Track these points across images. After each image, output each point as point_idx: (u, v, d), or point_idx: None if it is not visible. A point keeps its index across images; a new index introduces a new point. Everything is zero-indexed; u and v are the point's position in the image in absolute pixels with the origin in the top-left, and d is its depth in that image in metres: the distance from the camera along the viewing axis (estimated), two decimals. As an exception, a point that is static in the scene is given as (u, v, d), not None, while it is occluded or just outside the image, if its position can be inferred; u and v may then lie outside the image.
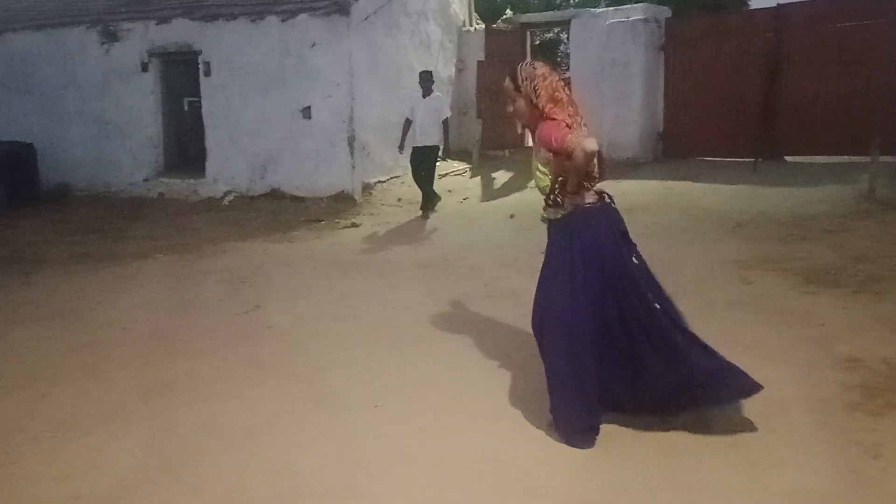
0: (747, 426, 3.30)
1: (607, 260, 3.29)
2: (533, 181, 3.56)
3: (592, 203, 3.34)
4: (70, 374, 4.36)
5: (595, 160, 3.28)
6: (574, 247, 3.30)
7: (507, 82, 3.42)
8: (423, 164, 9.68)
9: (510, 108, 3.46)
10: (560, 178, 3.32)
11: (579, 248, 3.29)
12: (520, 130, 12.39)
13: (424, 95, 9.60)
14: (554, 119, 3.29)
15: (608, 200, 3.41)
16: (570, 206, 3.32)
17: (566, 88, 3.41)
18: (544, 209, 3.45)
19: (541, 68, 3.38)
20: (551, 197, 3.38)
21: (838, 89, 10.72)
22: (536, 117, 3.35)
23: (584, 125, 3.38)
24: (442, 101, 9.83)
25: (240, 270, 7.02)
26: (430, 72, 10.02)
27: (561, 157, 3.25)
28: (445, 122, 9.59)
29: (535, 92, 3.31)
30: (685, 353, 3.28)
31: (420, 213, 9.74)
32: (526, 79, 3.34)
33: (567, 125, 3.28)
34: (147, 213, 10.52)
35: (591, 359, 3.28)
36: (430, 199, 9.71)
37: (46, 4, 13.18)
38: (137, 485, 3.07)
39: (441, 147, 9.79)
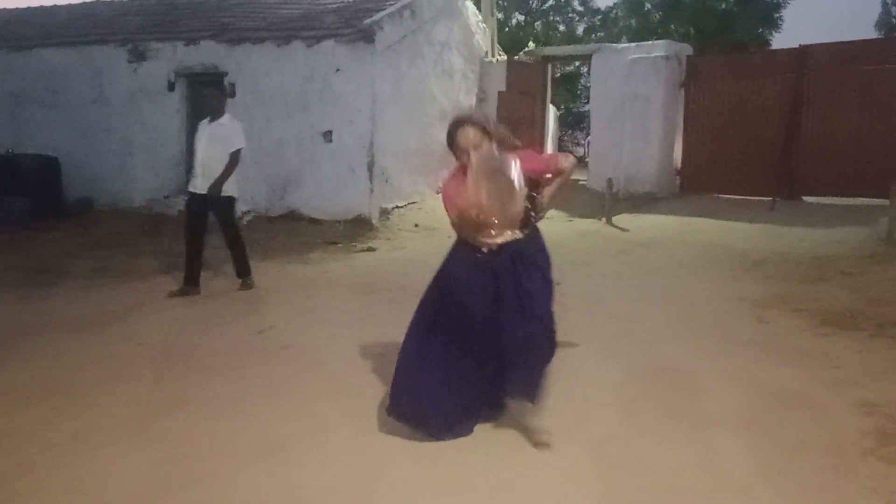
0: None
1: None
2: None
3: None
4: (85, 387, 4.39)
5: None
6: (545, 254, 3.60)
7: (473, 132, 3.36)
8: (215, 218, 6.92)
9: (466, 157, 3.35)
10: (534, 195, 3.50)
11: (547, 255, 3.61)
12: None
13: (212, 120, 6.90)
14: (523, 148, 3.49)
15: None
16: (543, 215, 3.58)
17: None
18: (510, 234, 3.48)
19: (482, 111, 3.57)
20: (533, 216, 3.52)
21: (858, 131, 10.72)
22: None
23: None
24: (234, 128, 6.89)
25: (256, 290, 7.07)
26: (224, 88, 7.08)
27: (545, 176, 3.50)
28: (234, 156, 6.74)
29: (500, 129, 3.42)
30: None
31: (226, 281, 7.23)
32: (489, 120, 3.43)
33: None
34: (167, 229, 10.60)
35: None
36: (244, 261, 7.15)
37: (78, 22, 13.46)
38: (150, 500, 3.08)
39: (233, 194, 6.94)
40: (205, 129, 6.88)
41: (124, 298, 6.74)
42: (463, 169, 3.40)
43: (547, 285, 3.57)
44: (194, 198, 6.84)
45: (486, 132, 3.37)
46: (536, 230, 3.60)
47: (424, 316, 3.69)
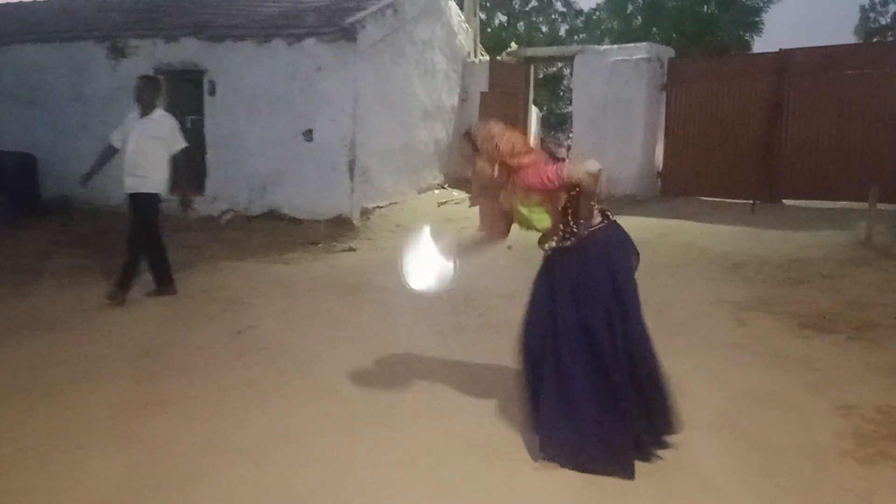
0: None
1: (616, 274, 3.36)
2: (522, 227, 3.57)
3: (601, 223, 3.42)
4: (61, 388, 4.33)
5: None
6: (588, 269, 3.36)
7: (467, 147, 3.41)
8: (134, 219, 6.47)
9: (469, 169, 3.43)
10: (570, 209, 3.34)
11: (594, 270, 3.36)
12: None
13: (143, 115, 6.41)
14: (530, 165, 3.29)
15: (612, 218, 3.50)
16: (585, 231, 3.36)
17: (527, 138, 3.43)
18: (556, 241, 3.43)
19: (496, 126, 3.40)
20: (567, 230, 3.38)
21: (838, 135, 10.83)
22: (506, 172, 3.35)
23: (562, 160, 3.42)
24: (170, 126, 6.47)
25: (235, 290, 7.02)
26: (156, 79, 7.00)
27: (560, 191, 3.27)
28: (180, 158, 6.44)
29: (497, 149, 3.30)
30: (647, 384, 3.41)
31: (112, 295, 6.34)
32: (485, 139, 3.33)
33: (548, 162, 3.32)
34: (145, 228, 10.52)
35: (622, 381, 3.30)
36: (133, 272, 6.43)
37: (57, 18, 13.27)
38: (129, 502, 3.05)
39: (161, 194, 6.44)
40: (133, 125, 6.38)
41: (101, 298, 6.65)
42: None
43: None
44: (130, 199, 6.49)
45: (476, 148, 3.35)
46: (608, 235, 3.45)
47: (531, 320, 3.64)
